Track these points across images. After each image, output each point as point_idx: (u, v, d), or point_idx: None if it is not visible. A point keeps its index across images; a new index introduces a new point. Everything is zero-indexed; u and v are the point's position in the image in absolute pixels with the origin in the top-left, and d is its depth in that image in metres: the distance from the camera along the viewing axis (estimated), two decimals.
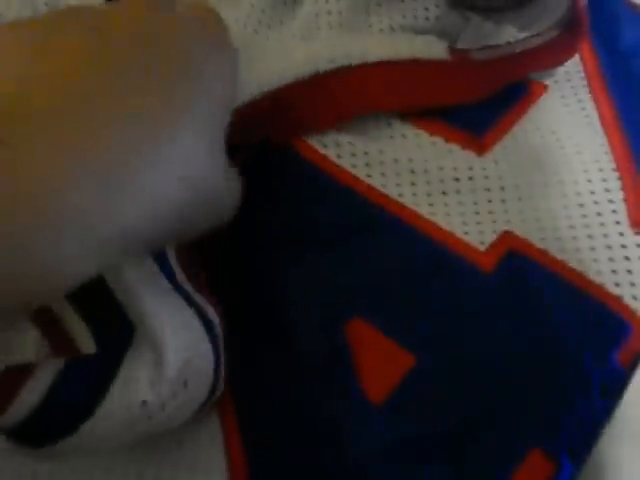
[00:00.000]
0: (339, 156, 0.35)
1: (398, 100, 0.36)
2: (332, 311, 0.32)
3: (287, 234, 0.34)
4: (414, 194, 0.35)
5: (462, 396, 0.31)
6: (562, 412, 0.30)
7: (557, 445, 0.30)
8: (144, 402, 0.26)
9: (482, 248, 0.33)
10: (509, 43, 0.37)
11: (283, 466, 0.30)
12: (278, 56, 0.36)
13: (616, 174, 0.35)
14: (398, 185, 0.35)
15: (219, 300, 0.31)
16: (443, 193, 0.35)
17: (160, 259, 0.29)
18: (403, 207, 0.34)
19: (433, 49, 0.37)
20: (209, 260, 0.32)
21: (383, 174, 0.35)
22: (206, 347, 0.29)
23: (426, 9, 0.38)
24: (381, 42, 0.37)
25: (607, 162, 0.36)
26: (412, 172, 0.35)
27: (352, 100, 0.36)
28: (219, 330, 0.30)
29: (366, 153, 0.35)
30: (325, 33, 0.37)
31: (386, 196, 0.35)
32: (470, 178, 0.35)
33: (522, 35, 0.37)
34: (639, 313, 0.32)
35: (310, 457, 0.30)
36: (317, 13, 0.37)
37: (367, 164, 0.35)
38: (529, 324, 0.32)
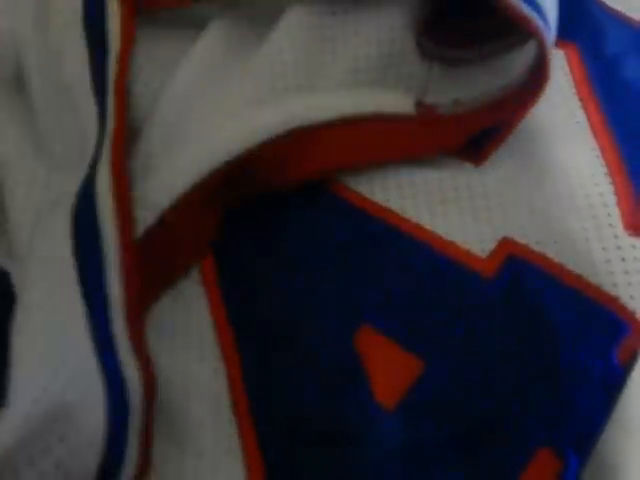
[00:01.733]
0: (344, 174, 0.37)
1: (364, 157, 0.37)
2: (342, 320, 0.34)
3: (295, 251, 0.36)
4: (415, 206, 0.36)
5: (471, 399, 0.32)
6: (566, 410, 0.32)
7: (564, 442, 0.31)
8: None
9: (483, 255, 0.35)
10: (476, 98, 0.37)
11: (299, 468, 0.32)
12: (231, 120, 0.36)
13: (608, 178, 0.37)
14: (400, 199, 0.36)
15: None
16: (443, 203, 0.36)
17: (96, 305, 0.30)
18: (404, 219, 0.36)
19: (399, 103, 0.37)
20: (225, 275, 0.34)
21: (385, 189, 0.36)
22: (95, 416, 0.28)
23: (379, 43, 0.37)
24: (342, 97, 0.37)
25: (599, 167, 0.37)
26: (412, 185, 0.37)
27: (313, 161, 0.36)
28: (133, 403, 0.30)
29: (368, 170, 0.37)
30: (282, 94, 0.36)
31: (389, 210, 0.36)
32: (468, 187, 0.37)
33: (490, 87, 0.37)
34: (636, 312, 0.33)
35: (324, 461, 0.32)
36: (273, 77, 0.37)
37: (370, 180, 0.37)
38: (531, 326, 0.33)
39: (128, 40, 0.36)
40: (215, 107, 0.36)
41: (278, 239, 0.36)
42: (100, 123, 0.35)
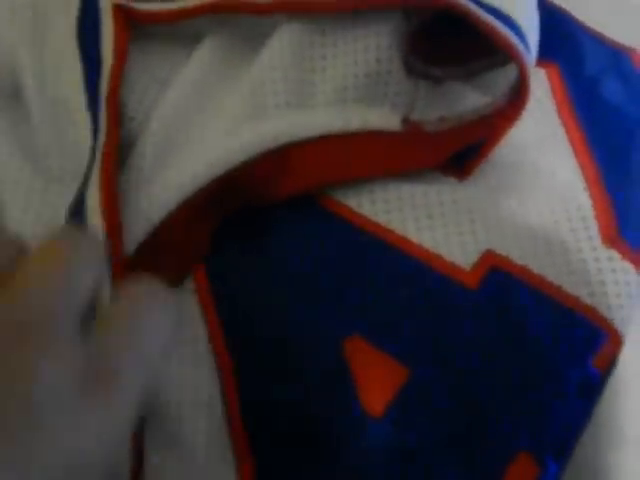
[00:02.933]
0: (331, 188, 0.38)
1: (351, 172, 0.38)
2: (332, 330, 0.35)
3: (285, 263, 0.37)
4: (402, 220, 0.37)
5: (454, 405, 0.33)
6: (545, 416, 0.33)
7: (542, 447, 0.33)
8: None
9: (467, 267, 0.36)
10: (461, 115, 0.38)
11: (289, 470, 0.33)
12: (222, 136, 0.37)
13: (587, 193, 0.38)
14: (387, 212, 0.37)
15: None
16: (429, 217, 0.38)
17: None
18: (392, 233, 0.37)
19: (386, 120, 0.38)
20: (217, 284, 0.36)
21: (373, 203, 0.38)
22: None
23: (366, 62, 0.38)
24: (330, 114, 0.38)
25: (578, 182, 0.38)
26: (399, 199, 0.38)
27: (302, 177, 0.37)
28: None
29: (356, 184, 0.38)
30: (272, 111, 0.38)
31: (376, 223, 0.37)
32: (453, 201, 0.38)
33: (475, 104, 0.38)
34: (613, 321, 0.35)
35: (314, 464, 0.33)
36: (264, 94, 0.38)
37: (358, 194, 0.38)
38: (512, 335, 0.35)
39: (121, 55, 0.37)
40: (206, 123, 0.38)
41: (268, 251, 0.37)
42: (94, 138, 0.36)
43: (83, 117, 0.37)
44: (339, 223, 0.37)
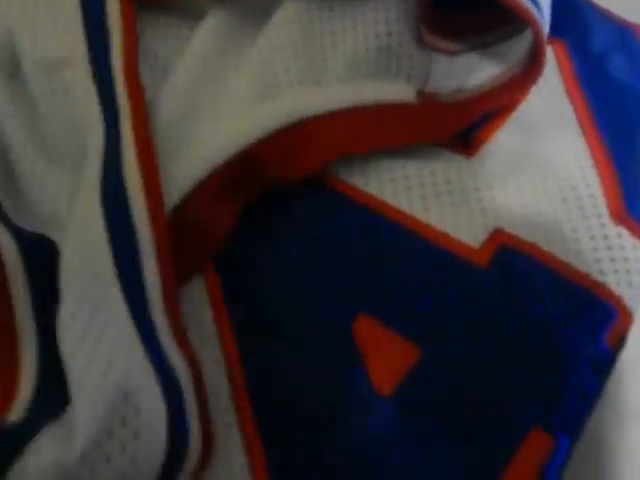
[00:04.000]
0: (338, 168, 0.38)
1: (363, 146, 0.38)
2: (341, 309, 0.35)
3: (293, 243, 0.36)
4: (409, 199, 0.37)
5: (466, 383, 0.33)
6: (558, 391, 0.33)
7: (555, 422, 0.32)
8: (57, 463, 0.26)
9: (476, 246, 0.36)
10: (475, 86, 0.38)
11: (298, 453, 0.33)
12: (236, 116, 0.37)
13: (594, 170, 0.38)
14: (394, 192, 0.37)
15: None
16: (436, 195, 0.37)
17: (135, 296, 0.31)
18: (399, 212, 0.37)
19: (400, 93, 0.38)
20: (224, 266, 0.35)
21: (380, 182, 0.37)
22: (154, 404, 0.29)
23: (377, 36, 0.38)
24: (343, 89, 0.38)
25: (586, 159, 0.38)
26: (406, 178, 0.38)
27: (317, 151, 0.37)
28: (185, 388, 0.30)
29: (363, 163, 0.38)
30: (285, 90, 0.37)
31: (383, 203, 0.37)
32: (461, 180, 0.38)
33: (490, 74, 0.38)
34: (623, 298, 0.35)
35: (323, 445, 0.33)
36: (275, 73, 0.38)
37: (364, 173, 0.38)
38: (523, 313, 0.35)
39: (131, 31, 0.37)
40: (215, 103, 0.37)
41: (275, 231, 0.37)
42: (106, 112, 0.35)
43: (88, 93, 0.36)
44: (346, 203, 0.37)
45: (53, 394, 0.28)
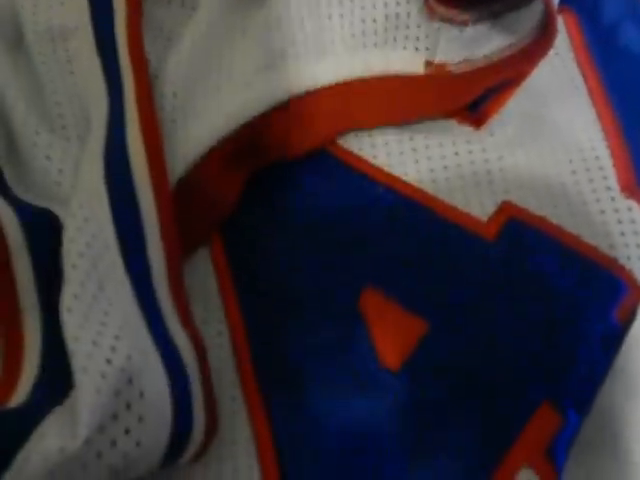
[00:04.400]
0: (346, 140, 0.37)
1: (370, 119, 0.37)
2: (346, 283, 0.35)
3: (298, 216, 0.36)
4: (418, 171, 0.37)
5: (474, 357, 0.33)
6: (567, 368, 0.33)
7: (564, 398, 0.32)
8: (62, 449, 0.25)
9: (484, 219, 0.36)
10: (485, 56, 0.38)
11: (305, 427, 0.32)
12: (243, 86, 0.36)
13: (605, 142, 0.37)
14: (403, 164, 0.37)
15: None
16: (445, 168, 0.37)
17: (139, 275, 0.30)
18: (407, 184, 0.36)
19: (409, 64, 0.38)
20: (229, 239, 0.35)
21: (388, 154, 0.37)
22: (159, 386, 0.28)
23: (385, 4, 0.38)
24: (351, 60, 0.37)
25: (596, 131, 0.38)
26: (414, 150, 0.37)
27: (323, 123, 0.37)
28: (189, 369, 0.30)
29: (370, 136, 0.37)
30: (291, 61, 0.37)
31: (391, 175, 0.37)
32: (469, 151, 0.37)
33: (499, 44, 0.38)
34: (633, 272, 0.34)
35: (330, 420, 0.32)
36: (282, 43, 0.37)
37: (373, 146, 0.37)
38: (532, 287, 0.34)
39: (135, 1, 0.36)
40: (221, 76, 0.37)
41: (281, 205, 0.36)
42: (110, 83, 0.35)
43: (92, 64, 0.36)
44: (354, 175, 0.37)
45: (57, 378, 0.27)
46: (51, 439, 0.25)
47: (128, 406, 0.27)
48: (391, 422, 0.32)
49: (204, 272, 0.35)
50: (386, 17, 0.37)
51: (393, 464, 0.31)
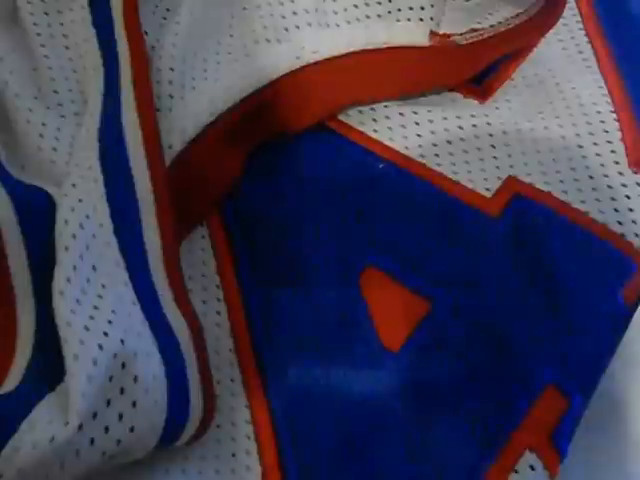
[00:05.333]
0: (347, 114, 0.36)
1: (374, 91, 0.37)
2: (347, 261, 0.34)
3: (299, 192, 0.35)
4: (420, 146, 0.36)
5: (477, 338, 0.32)
6: (572, 348, 0.32)
7: (569, 380, 0.31)
8: (53, 438, 0.25)
9: (488, 195, 0.35)
10: (492, 25, 0.37)
11: (304, 409, 0.32)
12: (244, 59, 0.36)
13: (614, 115, 0.36)
14: (405, 138, 0.36)
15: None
16: (448, 142, 0.36)
17: (134, 256, 0.29)
18: (409, 159, 0.36)
19: (413, 35, 0.37)
20: (228, 217, 0.34)
21: (390, 128, 0.36)
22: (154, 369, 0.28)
23: None
24: (353, 31, 0.37)
25: (605, 104, 0.37)
26: (417, 124, 0.36)
27: (325, 97, 0.36)
28: (185, 352, 0.29)
29: (373, 109, 0.36)
30: (292, 32, 0.36)
31: (393, 149, 0.36)
32: (474, 125, 0.36)
33: (506, 14, 0.37)
34: None
35: (329, 403, 0.32)
36: (283, 15, 0.36)
37: (374, 119, 0.36)
38: (537, 265, 0.33)
39: None
40: (221, 48, 0.36)
41: (280, 181, 0.36)
42: (106, 58, 0.34)
43: (89, 34, 0.35)
44: (354, 149, 0.36)
45: (50, 363, 0.27)
46: (42, 428, 0.25)
47: (122, 391, 0.27)
48: (392, 404, 0.31)
49: (202, 250, 0.34)
50: None
51: (393, 446, 0.31)
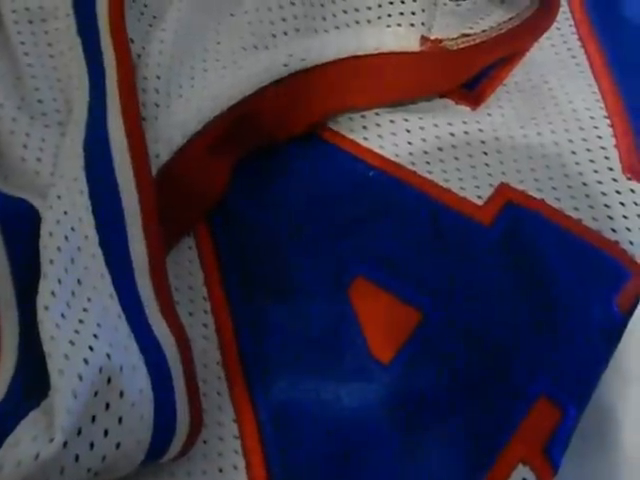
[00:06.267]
0: (337, 122, 0.36)
1: (364, 99, 0.36)
2: (336, 272, 0.33)
3: (288, 201, 0.35)
4: (411, 153, 0.35)
5: (469, 349, 0.32)
6: (566, 357, 0.31)
7: (562, 391, 0.31)
8: (37, 455, 0.24)
9: (480, 202, 0.34)
10: (484, 30, 0.36)
11: (293, 422, 0.31)
12: (231, 66, 0.35)
13: (607, 121, 0.36)
14: (395, 145, 0.35)
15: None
16: (439, 149, 0.35)
17: (119, 266, 0.29)
18: (399, 166, 0.35)
19: (403, 40, 0.36)
20: (217, 227, 0.34)
21: (380, 136, 0.36)
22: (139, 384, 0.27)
23: None
24: (343, 37, 0.36)
25: (598, 109, 0.36)
26: (408, 131, 0.36)
27: (315, 104, 0.35)
28: (172, 367, 0.29)
29: (363, 116, 0.36)
30: (281, 39, 0.36)
31: (383, 157, 0.35)
32: (465, 132, 0.36)
33: (498, 19, 0.37)
34: (636, 258, 0.33)
35: (319, 416, 0.31)
36: (271, 21, 0.36)
37: (364, 127, 0.36)
38: (530, 274, 0.33)
39: None
40: (208, 56, 0.35)
41: (270, 190, 0.35)
42: (91, 66, 0.34)
43: (73, 45, 0.35)
44: (344, 158, 0.36)
45: (35, 378, 0.26)
46: (26, 444, 0.24)
47: (107, 407, 0.26)
48: (382, 417, 0.31)
49: (189, 262, 0.34)
50: None
51: (383, 461, 0.30)
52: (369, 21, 0.36)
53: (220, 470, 0.30)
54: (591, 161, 0.35)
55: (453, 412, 0.31)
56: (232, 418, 0.31)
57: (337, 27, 0.36)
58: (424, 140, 0.36)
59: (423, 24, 0.37)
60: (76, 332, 0.26)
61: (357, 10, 0.36)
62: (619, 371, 0.32)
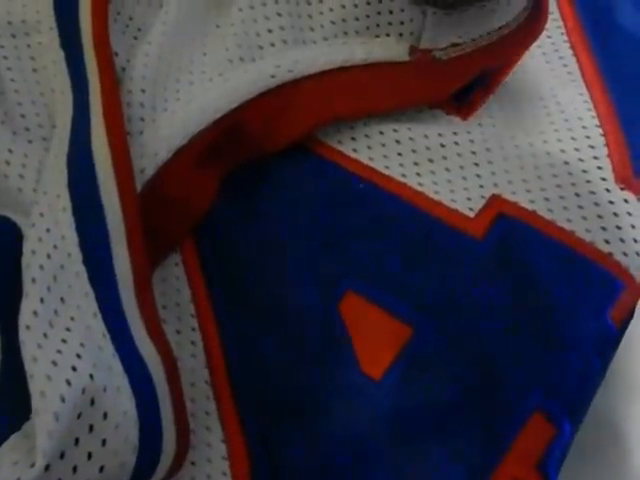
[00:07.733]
0: (325, 133, 0.35)
1: (353, 110, 0.35)
2: (326, 287, 0.33)
3: (277, 215, 0.34)
4: (401, 165, 0.35)
5: (461, 364, 0.31)
6: (560, 372, 0.31)
7: (556, 407, 0.30)
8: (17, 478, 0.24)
9: (471, 214, 0.34)
10: (474, 39, 0.36)
11: (281, 440, 0.31)
12: (218, 78, 0.35)
13: (599, 130, 0.36)
14: (385, 157, 0.35)
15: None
16: (430, 161, 0.35)
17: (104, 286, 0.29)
18: (390, 179, 0.35)
19: (392, 51, 0.36)
20: (203, 243, 0.33)
21: (370, 147, 0.35)
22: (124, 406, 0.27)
23: None
24: (331, 48, 0.36)
25: (590, 119, 0.36)
26: (398, 142, 0.35)
27: (303, 116, 0.35)
28: (158, 386, 0.28)
29: (351, 127, 0.35)
30: (267, 50, 0.35)
31: (373, 169, 0.35)
32: (456, 143, 0.35)
33: (487, 29, 0.36)
34: (630, 269, 0.32)
35: (308, 433, 0.31)
36: (257, 32, 0.36)
37: (353, 138, 0.35)
38: (523, 287, 0.32)
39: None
40: (194, 68, 0.35)
41: (258, 203, 0.35)
42: (75, 81, 0.33)
43: (57, 59, 0.34)
44: (334, 170, 0.35)
45: (17, 400, 0.26)
46: (7, 469, 0.24)
47: (91, 429, 0.26)
48: (374, 434, 0.30)
49: (176, 278, 0.33)
50: (368, 2, 0.35)
51: (374, 475, 0.30)
52: (357, 32, 0.36)
53: None
54: (584, 171, 0.34)
55: (445, 431, 0.30)
56: (221, 438, 0.30)
57: (325, 38, 0.36)
58: (414, 151, 0.35)
59: (412, 34, 0.36)
60: (59, 352, 0.26)
61: (345, 21, 0.36)
62: (623, 386, 0.32)
